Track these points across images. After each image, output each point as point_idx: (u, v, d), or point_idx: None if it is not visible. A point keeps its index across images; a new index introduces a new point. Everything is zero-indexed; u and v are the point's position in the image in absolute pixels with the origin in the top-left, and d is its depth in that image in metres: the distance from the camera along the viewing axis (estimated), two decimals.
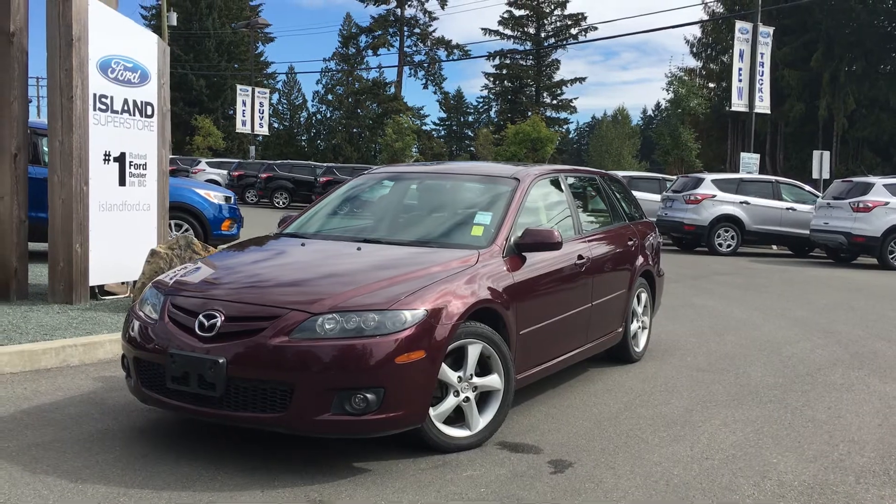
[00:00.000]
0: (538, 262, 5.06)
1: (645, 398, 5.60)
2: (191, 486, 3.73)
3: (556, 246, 4.98)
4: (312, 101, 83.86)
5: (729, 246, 17.77)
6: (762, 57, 22.52)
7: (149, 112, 8.14)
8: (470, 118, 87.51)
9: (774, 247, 20.36)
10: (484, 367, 4.47)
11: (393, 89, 67.01)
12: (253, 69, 63.55)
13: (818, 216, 16.71)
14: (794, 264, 16.75)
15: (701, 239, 18.01)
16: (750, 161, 22.80)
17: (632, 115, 72.79)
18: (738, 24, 22.67)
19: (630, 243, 6.46)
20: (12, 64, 7.42)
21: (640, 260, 6.61)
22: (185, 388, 3.98)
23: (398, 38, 66.49)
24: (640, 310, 6.71)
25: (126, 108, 7.86)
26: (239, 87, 36.03)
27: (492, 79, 70.25)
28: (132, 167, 7.96)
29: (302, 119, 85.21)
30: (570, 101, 68.68)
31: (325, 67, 75.56)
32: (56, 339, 6.07)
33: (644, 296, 6.78)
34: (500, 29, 67.05)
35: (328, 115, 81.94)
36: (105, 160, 7.65)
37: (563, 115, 69.99)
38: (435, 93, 68.60)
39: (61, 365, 5.84)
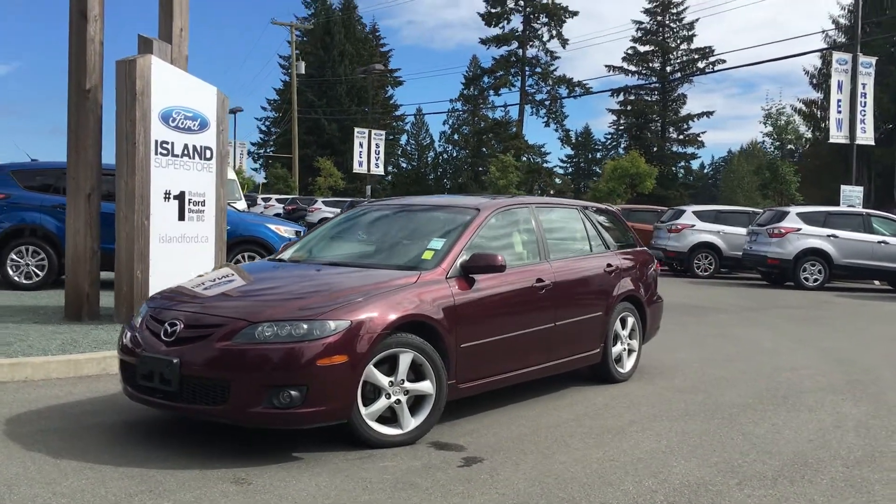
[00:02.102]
0: (488, 284, 5.63)
1: (599, 412, 6.02)
2: (144, 464, 4.51)
3: (499, 268, 5.54)
4: (439, 141, 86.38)
5: (815, 280, 17.41)
6: (864, 87, 21.95)
7: (207, 155, 9.21)
8: (598, 154, 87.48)
9: (877, 282, 19.70)
10: (418, 374, 5.08)
11: (515, 128, 67.90)
12: (379, 112, 66.26)
13: None
14: (883, 300, 16.26)
15: (787, 273, 17.73)
16: (852, 194, 22.16)
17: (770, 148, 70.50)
18: (836, 56, 22.20)
19: (608, 269, 6.89)
20: (88, 116, 8.66)
21: (624, 286, 7.02)
22: (151, 385, 4.80)
23: (520, 78, 67.52)
24: (624, 333, 7.10)
25: (186, 152, 8.94)
26: (356, 129, 37.85)
27: (617, 115, 70.32)
28: (191, 204, 9.01)
29: (429, 158, 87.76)
30: (698, 135, 67.71)
31: (451, 108, 77.84)
32: (101, 351, 7.09)
33: (630, 320, 7.17)
34: (625, 65, 67.16)
35: (454, 154, 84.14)
36: (165, 198, 8.73)
37: (689, 149, 69.03)
38: (556, 130, 69.04)
39: (101, 373, 6.83)
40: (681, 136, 68.91)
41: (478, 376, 5.57)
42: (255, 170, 74.23)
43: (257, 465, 4.54)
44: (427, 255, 5.61)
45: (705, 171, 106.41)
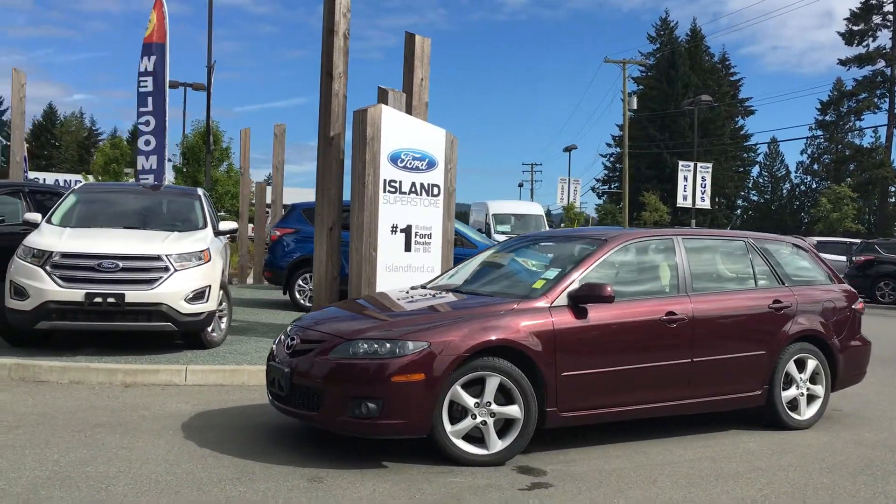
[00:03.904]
0: (601, 315, 5.62)
1: (732, 456, 5.66)
2: (254, 457, 5.24)
3: (606, 299, 5.53)
4: (795, 171, 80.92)
5: None
6: None
7: (435, 192, 10.03)
8: None
9: None
10: (509, 398, 5.28)
11: (881, 156, 61.36)
12: (727, 143, 63.72)
13: None
14: None
15: None
16: None
17: None
18: None
19: (775, 306, 6.39)
20: (332, 160, 9.91)
21: (800, 325, 6.47)
22: (274, 390, 5.57)
23: (888, 100, 60.95)
24: (801, 377, 6.51)
25: (413, 189, 9.83)
26: (680, 163, 37.08)
27: None
28: (417, 237, 9.86)
29: (785, 191, 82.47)
30: None
31: (811, 136, 72.65)
32: None
33: (811, 363, 6.55)
34: None
35: (813, 185, 78.08)
36: (392, 231, 9.67)
37: None
38: None
39: None
40: None
41: (585, 406, 5.58)
42: (598, 206, 75.33)
43: (341, 469, 5.05)
44: (538, 285, 5.77)
45: None
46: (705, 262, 6.47)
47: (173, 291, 8.10)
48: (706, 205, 36.53)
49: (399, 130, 9.73)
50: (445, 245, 10.14)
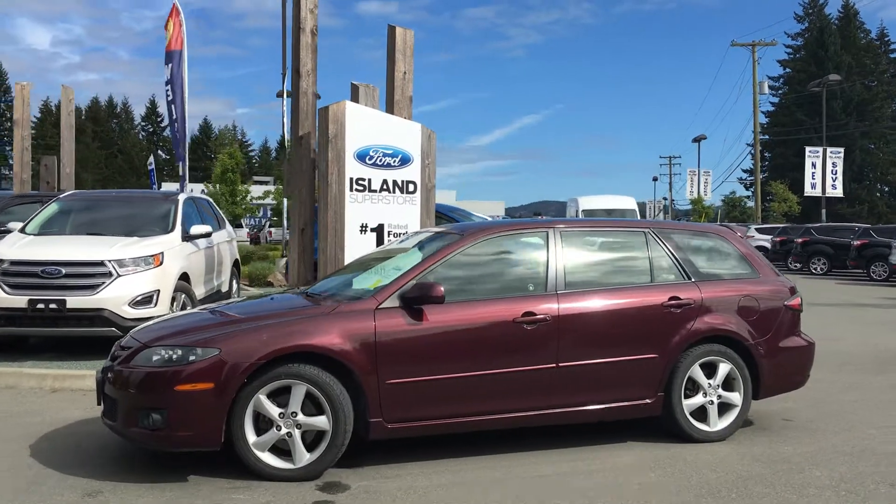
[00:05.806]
0: (440, 317, 5.12)
1: (586, 472, 5.04)
2: (63, 468, 5.10)
3: (437, 300, 5.05)
4: None
5: None
6: None
7: (411, 189, 9.65)
8: None
9: None
10: (319, 408, 4.90)
11: None
12: (886, 127, 58.96)
13: None
14: None
15: None
16: None
17: None
18: None
19: (671, 304, 5.64)
20: (302, 160, 9.75)
21: (707, 324, 5.70)
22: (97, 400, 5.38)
23: None
24: (710, 382, 5.73)
25: (385, 187, 9.50)
26: (808, 149, 34.46)
27: None
28: (391, 235, 9.52)
29: None
30: None
31: None
32: None
33: (723, 368, 5.76)
34: None
35: None
36: (362, 231, 9.38)
37: None
38: None
39: None
40: None
41: (416, 416, 5.11)
42: (747, 197, 71.68)
43: (134, 482, 4.80)
44: (373, 285, 5.35)
45: None
46: (587, 256, 5.80)
47: (116, 296, 8.16)
48: (838, 193, 33.83)
49: (367, 127, 9.43)
50: None
